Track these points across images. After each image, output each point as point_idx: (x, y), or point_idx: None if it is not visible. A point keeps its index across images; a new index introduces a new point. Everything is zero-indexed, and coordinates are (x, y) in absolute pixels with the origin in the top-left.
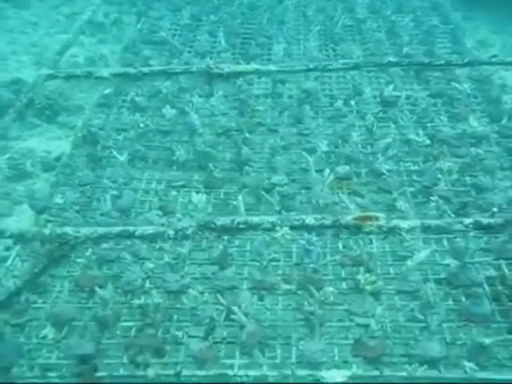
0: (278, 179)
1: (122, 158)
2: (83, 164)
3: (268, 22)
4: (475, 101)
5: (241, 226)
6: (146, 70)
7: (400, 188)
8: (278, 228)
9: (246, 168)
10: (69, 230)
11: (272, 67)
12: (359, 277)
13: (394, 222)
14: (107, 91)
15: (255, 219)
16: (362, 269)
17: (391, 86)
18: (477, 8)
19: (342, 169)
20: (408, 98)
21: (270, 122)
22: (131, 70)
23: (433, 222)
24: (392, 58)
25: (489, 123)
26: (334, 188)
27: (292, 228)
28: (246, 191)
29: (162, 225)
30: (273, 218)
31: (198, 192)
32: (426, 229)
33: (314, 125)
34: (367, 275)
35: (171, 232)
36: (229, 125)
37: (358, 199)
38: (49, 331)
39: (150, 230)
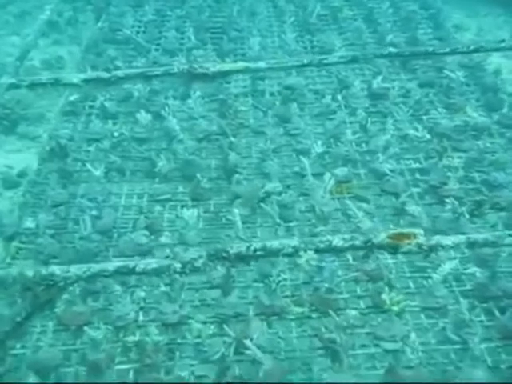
0: (272, 187)
1: (98, 173)
2: (53, 181)
3: (238, 15)
4: (468, 89)
5: (258, 253)
6: (120, 73)
7: (407, 189)
8: (301, 253)
9: (235, 176)
10: (56, 269)
11: (262, 64)
12: (384, 296)
13: (436, 239)
14: (73, 97)
15: (274, 244)
16: (382, 284)
17: (379, 78)
18: None
19: (341, 171)
20: (398, 89)
21: (254, 122)
22: (104, 75)
23: (479, 237)
24: (392, 49)
25: (487, 113)
26: (334, 193)
27: (317, 251)
28: (238, 202)
29: (167, 257)
30: (295, 242)
31: (184, 206)
32: (471, 244)
33: (302, 123)
34: (392, 294)
35: (178, 265)
36: (210, 128)
37: (364, 204)
38: (32, 381)
39: (153, 263)
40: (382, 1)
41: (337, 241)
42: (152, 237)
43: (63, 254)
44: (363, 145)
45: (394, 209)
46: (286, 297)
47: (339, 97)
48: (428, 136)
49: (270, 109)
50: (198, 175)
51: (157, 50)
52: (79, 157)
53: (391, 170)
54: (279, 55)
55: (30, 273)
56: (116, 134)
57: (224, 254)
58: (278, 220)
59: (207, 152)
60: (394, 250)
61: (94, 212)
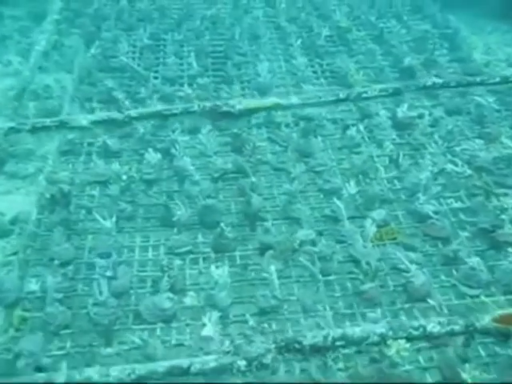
0: (304, 234)
1: (107, 223)
2: (58, 234)
3: (239, 38)
4: (500, 116)
5: (337, 343)
6: (134, 113)
7: (455, 234)
8: (389, 341)
9: (260, 221)
10: (93, 372)
11: (294, 100)
12: None
13: None
14: (71, 135)
15: (356, 332)
16: None
17: (404, 106)
18: (450, 7)
19: (378, 214)
20: (424, 117)
21: (272, 158)
22: (116, 115)
23: None
24: (436, 79)
25: None
26: (374, 240)
27: (409, 339)
28: (270, 254)
29: (227, 352)
30: (381, 328)
31: (205, 258)
32: None
33: (325, 158)
34: None
35: (242, 363)
36: (225, 166)
37: (410, 253)
38: None
39: (211, 361)
40: (389, 19)
41: (432, 325)
42: (175, 297)
43: (76, 324)
44: (396, 182)
45: (445, 258)
46: None
47: (362, 127)
48: (469, 171)
49: (289, 142)
50: (222, 224)
51: (156, 77)
52: (83, 203)
53: (436, 212)
54: (306, 88)
55: (60, 379)
56: (124, 176)
57: (297, 346)
58: (319, 277)
59: (225, 194)
60: (505, 337)
61: (108, 272)
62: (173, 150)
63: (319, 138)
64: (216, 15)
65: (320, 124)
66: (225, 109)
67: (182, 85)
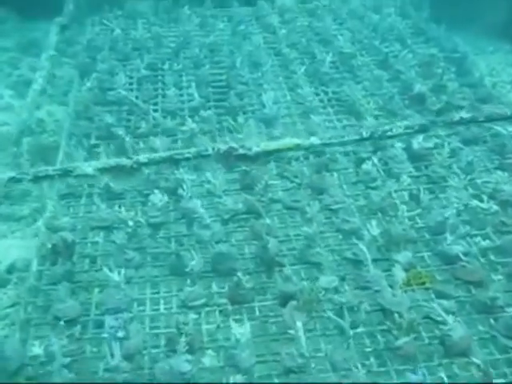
0: (326, 281)
1: (115, 276)
2: (61, 289)
3: (241, 66)
4: None
5: None
6: (144, 158)
7: (489, 277)
8: None
9: (278, 268)
10: None
11: (315, 140)
12: None
13: None
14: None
15: None
16: None
17: (420, 137)
18: (449, 26)
19: (403, 257)
20: (442, 148)
21: (285, 196)
22: (125, 162)
23: None
24: (464, 114)
25: None
26: (402, 286)
27: None
28: (292, 305)
29: None
30: None
31: (222, 311)
32: None
33: (340, 195)
34: None
35: None
36: (236, 207)
37: (444, 301)
38: None
39: None
40: (392, 43)
41: None
42: (193, 357)
43: None
44: (418, 220)
45: (481, 305)
46: None
47: (376, 160)
48: (494, 206)
49: (301, 178)
50: (239, 274)
51: (155, 110)
52: (86, 251)
53: (466, 254)
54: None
55: None
56: (130, 222)
57: None
58: (349, 331)
59: (237, 237)
60: None
61: (120, 333)
62: (180, 191)
63: (332, 173)
64: (214, 42)
65: (332, 158)
66: (241, 151)
67: (183, 117)
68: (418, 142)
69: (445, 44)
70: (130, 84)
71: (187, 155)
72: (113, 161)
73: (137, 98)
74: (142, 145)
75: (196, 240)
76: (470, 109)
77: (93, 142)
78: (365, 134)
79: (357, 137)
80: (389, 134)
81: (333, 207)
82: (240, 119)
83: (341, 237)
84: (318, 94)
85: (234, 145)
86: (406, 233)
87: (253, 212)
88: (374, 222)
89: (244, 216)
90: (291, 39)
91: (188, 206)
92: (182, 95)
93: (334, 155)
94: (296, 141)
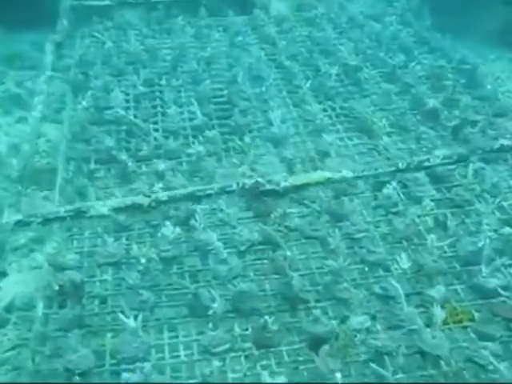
0: (358, 322)
1: (133, 323)
2: (72, 337)
3: (242, 80)
4: None
5: None
6: (163, 195)
7: None
8: None
9: (304, 306)
10: None
11: (348, 173)
12: None
13: None
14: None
15: None
16: None
17: (439, 156)
18: (448, 33)
19: (437, 292)
20: (463, 169)
21: (302, 224)
22: (142, 200)
23: None
24: (506, 141)
25: None
26: (441, 326)
27: None
28: (325, 350)
29: None
30: None
31: (247, 356)
32: None
33: (361, 222)
34: None
35: None
36: (252, 237)
37: (488, 344)
38: None
39: None
40: (396, 53)
41: None
42: None
43: None
44: (447, 249)
45: None
46: None
47: (395, 183)
48: None
49: (319, 204)
50: (266, 317)
51: (156, 129)
52: (95, 291)
53: (506, 288)
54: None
55: None
56: (143, 259)
57: None
58: (391, 379)
59: (256, 271)
60: None
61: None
62: (192, 221)
63: (351, 198)
64: (212, 55)
65: (350, 182)
66: (268, 187)
67: (186, 137)
68: (436, 156)
69: (452, 54)
70: (127, 101)
71: (209, 191)
72: (129, 199)
73: (135, 116)
74: (144, 168)
75: (212, 275)
76: (487, 124)
77: (92, 166)
78: (401, 166)
79: (392, 168)
80: (426, 164)
81: (355, 236)
82: (247, 139)
83: (366, 269)
84: (325, 110)
85: (260, 179)
86: (437, 264)
87: (270, 242)
88: (403, 255)
89: (261, 247)
90: (291, 50)
91: (201, 238)
92: (182, 113)
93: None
94: (326, 174)
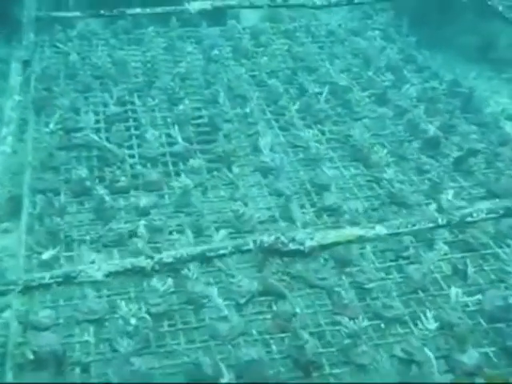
0: None
1: None
2: None
3: (223, 100)
4: None
5: None
6: (168, 256)
7: None
8: None
9: (315, 371)
10: None
11: (381, 230)
12: None
13: None
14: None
15: None
16: None
17: (449, 193)
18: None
19: (469, 358)
20: (473, 207)
21: (305, 270)
22: (144, 263)
23: None
24: None
25: None
26: None
27: None
28: None
29: None
30: None
31: None
32: None
33: (371, 269)
34: None
35: None
36: (252, 287)
37: None
38: None
39: None
40: (382, 72)
41: None
42: None
43: None
44: (470, 303)
45: None
46: None
47: None
48: None
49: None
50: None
51: (131, 156)
52: (74, 355)
53: None
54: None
55: None
56: (132, 320)
57: None
58: None
59: (259, 327)
60: None
61: None
62: (185, 270)
63: None
64: (187, 70)
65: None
66: (292, 246)
67: (165, 165)
68: (447, 199)
69: (442, 74)
70: (97, 122)
71: (222, 251)
72: (128, 262)
73: (108, 140)
74: (122, 202)
75: (210, 335)
76: (491, 154)
77: (63, 199)
78: (440, 221)
79: (431, 225)
80: (469, 219)
81: (366, 286)
82: (235, 169)
83: (383, 326)
84: (315, 135)
85: (282, 237)
86: (463, 321)
87: (272, 293)
88: (428, 313)
89: (262, 298)
90: (271, 66)
91: (196, 291)
92: (160, 136)
93: (355, 217)
94: (359, 232)
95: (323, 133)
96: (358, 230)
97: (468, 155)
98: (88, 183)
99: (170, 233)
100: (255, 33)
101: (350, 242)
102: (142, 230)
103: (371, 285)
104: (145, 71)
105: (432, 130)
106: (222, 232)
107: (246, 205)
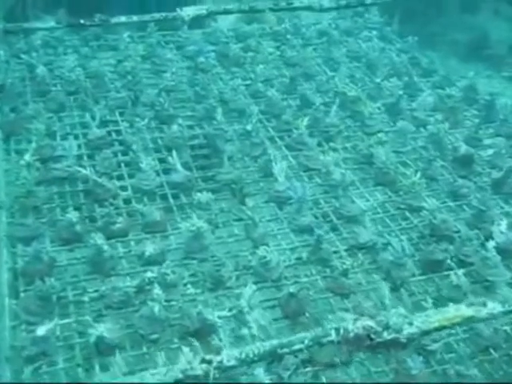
0: None
1: None
2: None
3: (221, 117)
4: None
5: None
6: (229, 358)
7: None
8: None
9: None
10: None
11: (494, 308)
12: None
13: None
14: None
15: None
16: None
17: (503, 224)
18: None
19: None
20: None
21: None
22: (198, 371)
23: None
24: None
25: None
26: None
27: None
28: None
29: None
30: None
31: None
32: None
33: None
34: None
35: None
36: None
37: None
38: None
39: None
40: (386, 77)
41: None
42: None
43: None
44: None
45: None
46: None
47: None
48: None
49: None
50: None
51: (124, 188)
52: None
53: None
54: None
55: None
56: None
57: None
58: None
59: None
60: None
61: None
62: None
63: None
64: (173, 81)
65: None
66: (386, 336)
67: (164, 198)
68: (500, 231)
69: (453, 78)
70: (78, 147)
71: (299, 346)
72: (179, 372)
73: (95, 171)
74: (121, 249)
75: None
76: None
77: (49, 248)
78: None
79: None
80: None
81: (429, 348)
82: (249, 202)
83: None
84: (331, 155)
85: (373, 324)
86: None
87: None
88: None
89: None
90: (266, 74)
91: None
92: (154, 164)
93: (399, 259)
94: (470, 312)
95: (335, 150)
96: (465, 309)
97: (508, 176)
98: (78, 227)
99: (185, 285)
100: (241, 35)
101: (456, 324)
102: (157, 291)
103: (434, 346)
104: (125, 84)
105: (463, 148)
106: (251, 287)
107: (267, 246)
